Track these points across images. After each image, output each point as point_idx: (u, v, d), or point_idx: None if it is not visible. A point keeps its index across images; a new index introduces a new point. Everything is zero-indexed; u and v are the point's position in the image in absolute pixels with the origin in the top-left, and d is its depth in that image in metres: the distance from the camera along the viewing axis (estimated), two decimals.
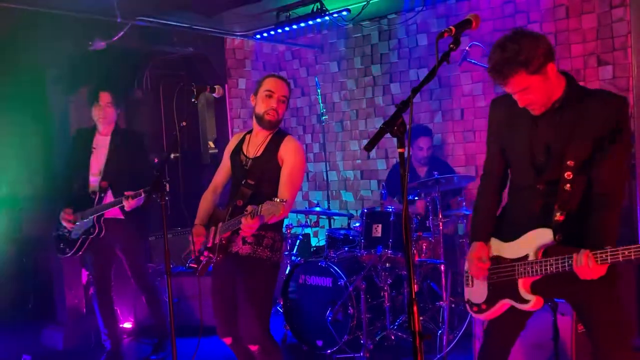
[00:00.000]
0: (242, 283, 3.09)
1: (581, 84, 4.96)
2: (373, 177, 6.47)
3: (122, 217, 4.16)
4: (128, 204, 3.90)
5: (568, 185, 2.29)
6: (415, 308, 1.85)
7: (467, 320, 4.01)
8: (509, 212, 2.61)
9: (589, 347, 3.48)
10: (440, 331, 4.17)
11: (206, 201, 3.31)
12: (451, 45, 2.09)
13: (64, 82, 4.99)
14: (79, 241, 4.13)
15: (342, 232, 5.14)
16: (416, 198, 4.71)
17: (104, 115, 4.21)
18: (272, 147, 3.13)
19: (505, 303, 2.51)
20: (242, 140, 3.28)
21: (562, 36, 5.05)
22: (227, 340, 3.22)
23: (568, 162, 2.29)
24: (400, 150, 1.90)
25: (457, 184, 4.75)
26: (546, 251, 2.36)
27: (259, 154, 3.14)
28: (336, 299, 4.27)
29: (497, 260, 2.54)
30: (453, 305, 4.51)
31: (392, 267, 4.46)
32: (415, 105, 2.08)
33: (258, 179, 3.08)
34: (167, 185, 2.89)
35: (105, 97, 4.20)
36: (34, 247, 5.42)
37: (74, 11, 4.81)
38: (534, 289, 2.43)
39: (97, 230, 4.10)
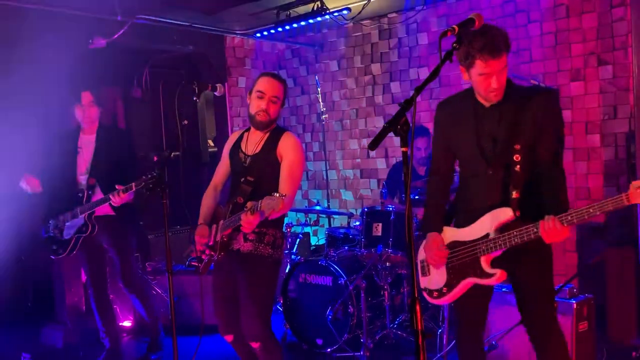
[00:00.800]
0: (243, 280, 3.09)
1: (581, 83, 5.03)
2: (373, 176, 6.48)
3: (113, 214, 4.14)
4: (118, 199, 3.81)
5: (518, 166, 2.52)
6: (418, 307, 1.86)
7: None
8: (463, 202, 2.78)
9: (589, 347, 3.52)
10: (440, 330, 4.18)
11: (208, 200, 3.31)
12: (454, 44, 2.13)
13: (63, 81, 4.97)
14: (72, 241, 4.11)
15: (342, 231, 5.14)
16: (417, 197, 4.72)
17: (87, 114, 4.17)
18: (271, 144, 3.13)
19: (469, 282, 2.67)
20: (240, 138, 3.28)
21: (562, 35, 5.05)
22: (229, 338, 3.22)
23: (515, 147, 2.52)
24: (403, 149, 1.90)
25: (458, 182, 4.73)
26: (505, 227, 2.53)
27: (257, 151, 3.15)
28: (336, 298, 4.27)
29: (454, 245, 2.70)
30: (453, 304, 4.51)
31: (392, 266, 4.46)
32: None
33: (257, 175, 3.08)
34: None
35: (86, 97, 4.16)
36: (34, 246, 5.41)
37: (74, 9, 4.80)
38: (494, 264, 2.59)
39: (89, 229, 4.08)
